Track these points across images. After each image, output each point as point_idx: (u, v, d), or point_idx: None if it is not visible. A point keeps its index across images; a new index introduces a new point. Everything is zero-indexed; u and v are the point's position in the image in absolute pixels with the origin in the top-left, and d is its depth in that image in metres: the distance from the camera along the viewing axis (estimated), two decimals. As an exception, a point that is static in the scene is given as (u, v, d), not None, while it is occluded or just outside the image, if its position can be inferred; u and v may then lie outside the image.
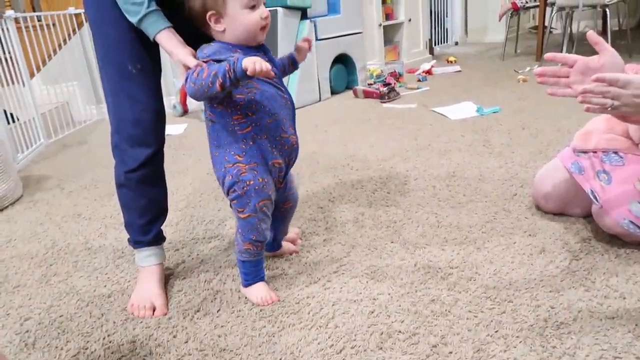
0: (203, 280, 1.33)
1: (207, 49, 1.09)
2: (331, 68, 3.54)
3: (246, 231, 1.18)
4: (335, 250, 1.41)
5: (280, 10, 3.15)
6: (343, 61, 3.65)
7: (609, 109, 1.03)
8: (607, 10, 3.73)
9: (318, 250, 1.43)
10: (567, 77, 1.13)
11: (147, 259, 1.30)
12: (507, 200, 1.64)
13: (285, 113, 1.16)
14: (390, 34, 4.37)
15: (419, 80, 3.84)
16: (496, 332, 1.02)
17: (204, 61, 1.06)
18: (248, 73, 0.98)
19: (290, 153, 1.20)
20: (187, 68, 1.07)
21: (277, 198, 1.24)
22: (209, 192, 1.96)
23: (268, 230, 1.22)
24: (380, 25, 4.06)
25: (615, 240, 1.31)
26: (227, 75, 1.00)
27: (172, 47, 1.09)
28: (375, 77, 3.75)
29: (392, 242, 1.43)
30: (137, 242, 1.30)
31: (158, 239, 1.32)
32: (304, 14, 3.32)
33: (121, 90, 1.17)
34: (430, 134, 2.46)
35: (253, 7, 1.08)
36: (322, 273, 1.30)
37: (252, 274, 1.23)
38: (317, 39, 3.35)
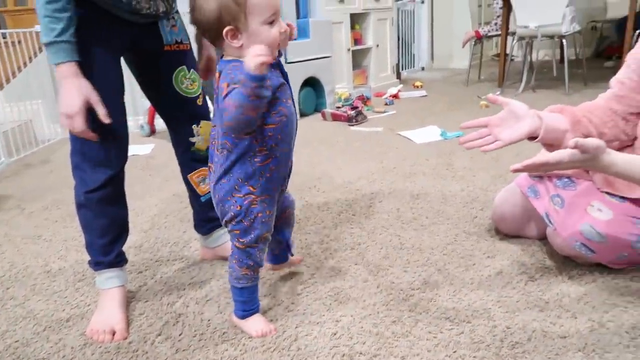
0: (165, 303, 1.32)
1: (234, 74, 0.98)
2: (300, 91, 3.59)
3: (244, 258, 1.12)
4: (300, 272, 1.42)
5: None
6: (312, 84, 3.71)
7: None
8: (564, 40, 3.91)
9: (281, 271, 1.43)
10: (489, 134, 1.25)
11: (108, 281, 1.28)
12: (468, 222, 1.69)
13: (295, 135, 1.13)
14: (358, 58, 4.47)
15: (386, 104, 3.92)
16: (454, 352, 1.05)
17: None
18: (258, 74, 0.91)
19: (289, 174, 1.20)
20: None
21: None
22: (175, 213, 1.95)
23: (263, 258, 1.17)
24: (349, 50, 4.15)
25: (568, 261, 1.37)
26: (252, 94, 0.93)
27: (66, 80, 1.09)
28: (343, 100, 3.81)
29: (356, 264, 1.45)
30: (97, 264, 1.28)
31: (120, 261, 1.30)
32: (273, 37, 3.37)
33: None
34: (396, 157, 2.52)
35: (272, 23, 1.00)
36: (285, 295, 1.31)
37: (250, 302, 1.17)
38: (286, 62, 3.40)
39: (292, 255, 1.37)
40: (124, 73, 1.24)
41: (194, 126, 1.38)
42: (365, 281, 1.35)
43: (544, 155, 1.05)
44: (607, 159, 1.04)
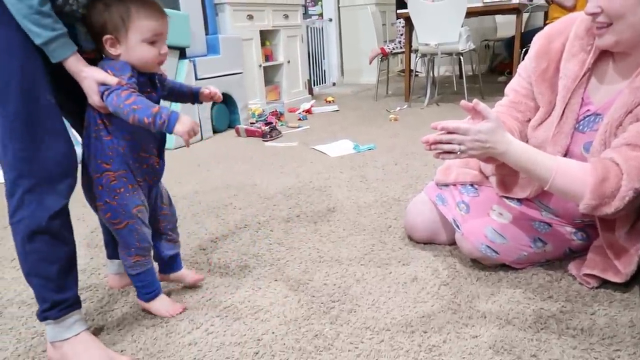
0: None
1: (115, 65, 1.10)
2: (213, 107, 3.53)
3: (128, 241, 1.21)
4: (218, 293, 1.38)
5: (157, 49, 3.09)
6: (224, 101, 3.66)
7: (459, 153, 1.16)
8: (462, 57, 4.20)
9: (200, 293, 1.39)
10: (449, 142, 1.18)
11: (75, 325, 1.12)
12: (383, 232, 1.74)
13: (148, 135, 1.19)
14: (270, 74, 4.49)
15: (300, 119, 3.97)
16: (376, 360, 1.07)
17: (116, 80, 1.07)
18: (177, 134, 1.04)
19: (150, 172, 1.24)
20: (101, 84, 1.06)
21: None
22: (80, 238, 1.82)
23: (149, 235, 1.25)
24: (260, 66, 4.16)
25: (476, 264, 1.45)
26: (159, 123, 1.04)
27: (81, 67, 1.05)
28: (257, 116, 3.81)
29: (275, 280, 1.44)
30: (57, 306, 1.09)
31: (79, 299, 1.15)
32: (182, 53, 3.30)
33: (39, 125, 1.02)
34: (311, 171, 2.55)
35: (153, 43, 1.12)
36: (204, 318, 1.27)
37: (149, 285, 1.27)
38: (196, 79, 3.34)
39: (181, 266, 1.42)
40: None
41: None
42: (286, 297, 1.35)
43: (454, 122, 1.15)
44: (507, 135, 1.17)
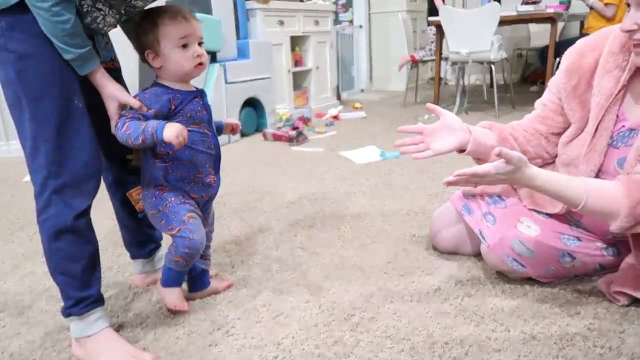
0: (97, 332, 1.25)
1: (147, 93, 1.17)
2: (241, 111, 3.57)
3: (179, 244, 1.22)
4: (240, 295, 1.39)
5: (189, 52, 3.15)
6: (253, 104, 3.70)
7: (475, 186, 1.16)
8: (493, 66, 4.14)
9: (222, 295, 1.40)
10: (422, 142, 1.39)
11: (98, 322, 1.15)
12: (407, 241, 1.72)
13: (205, 157, 1.25)
14: (299, 79, 4.51)
15: (327, 125, 3.97)
16: (395, 370, 1.05)
17: (134, 109, 1.13)
18: (168, 143, 1.09)
19: (207, 190, 1.29)
20: (122, 106, 1.12)
21: None
22: (109, 236, 1.86)
23: (203, 243, 1.25)
24: (289, 71, 4.18)
25: (501, 276, 1.42)
26: (149, 136, 1.09)
27: (106, 82, 1.09)
28: (284, 120, 3.83)
29: (297, 285, 1.44)
30: (81, 302, 1.12)
31: (102, 296, 1.18)
32: (213, 57, 3.35)
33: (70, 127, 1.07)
34: (336, 177, 2.54)
35: (185, 46, 1.16)
36: (225, 319, 1.28)
37: (174, 280, 1.28)
38: (226, 82, 3.38)
39: (208, 283, 1.41)
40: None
41: None
42: (307, 302, 1.35)
43: (473, 168, 1.11)
44: (528, 172, 1.12)
